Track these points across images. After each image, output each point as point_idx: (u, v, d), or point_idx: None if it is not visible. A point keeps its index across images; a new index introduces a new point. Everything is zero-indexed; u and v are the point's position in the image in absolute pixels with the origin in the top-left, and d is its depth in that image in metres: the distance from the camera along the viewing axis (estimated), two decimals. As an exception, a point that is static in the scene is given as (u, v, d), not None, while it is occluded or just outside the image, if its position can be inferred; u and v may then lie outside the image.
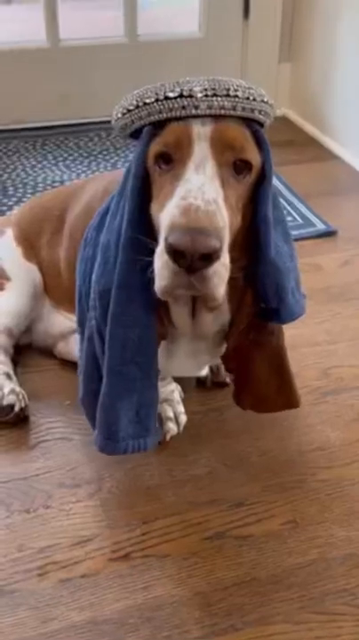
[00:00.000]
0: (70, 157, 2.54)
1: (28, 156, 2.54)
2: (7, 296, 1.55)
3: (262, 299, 1.12)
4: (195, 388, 1.54)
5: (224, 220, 0.96)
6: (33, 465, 1.35)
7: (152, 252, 1.00)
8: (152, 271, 0.99)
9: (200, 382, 1.54)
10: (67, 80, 2.73)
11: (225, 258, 0.96)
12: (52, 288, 1.59)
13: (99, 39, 2.80)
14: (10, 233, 1.60)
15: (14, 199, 2.23)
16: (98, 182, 1.51)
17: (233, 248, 1.00)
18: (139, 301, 1.08)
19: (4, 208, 2.17)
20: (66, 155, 2.56)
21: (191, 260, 0.92)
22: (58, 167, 2.46)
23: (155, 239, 1.01)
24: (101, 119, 2.74)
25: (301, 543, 1.21)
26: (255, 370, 1.24)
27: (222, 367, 1.52)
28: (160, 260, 0.96)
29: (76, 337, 1.52)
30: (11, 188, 2.31)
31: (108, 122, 2.88)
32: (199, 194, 0.94)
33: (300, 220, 2.17)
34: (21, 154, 2.55)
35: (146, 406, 1.16)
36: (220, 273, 0.95)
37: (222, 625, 1.08)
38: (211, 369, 1.53)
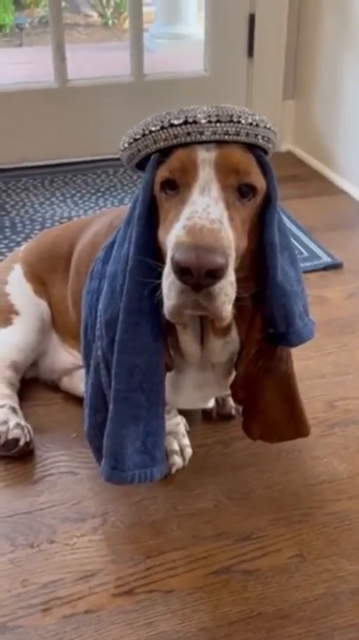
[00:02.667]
0: (78, 194, 2.57)
1: (37, 192, 2.58)
2: (15, 330, 1.56)
3: (270, 323, 1.13)
4: (200, 420, 1.53)
5: (229, 239, 0.97)
6: (37, 499, 1.34)
7: (159, 276, 1.01)
8: (160, 293, 1.00)
9: (205, 415, 1.54)
10: (75, 119, 2.78)
11: (231, 276, 0.97)
12: (60, 323, 1.59)
13: (105, 79, 2.86)
14: (19, 269, 1.62)
15: (23, 235, 2.26)
16: (103, 218, 1.53)
17: (240, 272, 1.01)
18: (146, 327, 1.09)
19: (13, 244, 2.19)
20: (74, 191, 2.59)
21: (197, 277, 0.93)
22: (66, 204, 2.49)
23: (162, 263, 1.02)
24: (109, 157, 2.77)
25: (309, 577, 1.19)
26: (265, 398, 1.24)
27: (228, 399, 1.52)
28: (167, 280, 0.98)
29: (81, 373, 1.53)
30: (19, 225, 2.34)
31: (116, 159, 2.92)
32: (204, 214, 0.96)
33: (306, 253, 2.18)
34: (30, 191, 2.59)
35: (152, 435, 1.16)
36: (227, 290, 0.96)
37: (228, 661, 1.06)
38: (217, 401, 1.52)
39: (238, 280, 1.00)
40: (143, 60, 2.78)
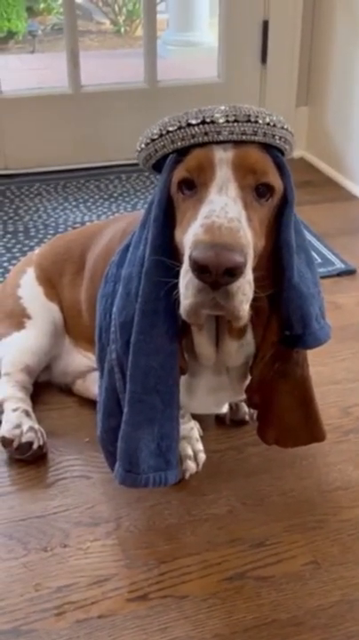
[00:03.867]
0: (91, 199, 2.57)
1: (50, 198, 2.58)
2: (28, 334, 1.56)
3: (287, 325, 1.12)
4: (214, 426, 1.53)
5: (247, 237, 0.97)
6: (51, 503, 1.34)
7: (176, 276, 1.01)
8: (176, 293, 1.00)
9: (219, 420, 1.53)
10: (88, 124, 2.79)
11: (249, 275, 0.97)
12: (72, 327, 1.59)
13: (119, 84, 2.87)
14: (31, 272, 1.62)
15: (36, 240, 2.26)
16: (117, 223, 1.53)
17: (257, 272, 1.01)
18: (162, 329, 1.09)
19: (26, 249, 2.20)
20: (87, 197, 2.60)
21: (216, 275, 0.93)
22: (79, 209, 2.50)
23: (179, 264, 1.02)
24: (122, 162, 2.79)
25: (323, 584, 1.18)
26: (280, 402, 1.23)
27: (241, 405, 1.51)
28: (184, 279, 0.98)
29: (95, 375, 1.53)
30: (32, 230, 2.34)
31: (129, 165, 2.93)
32: (222, 213, 0.96)
33: (319, 259, 2.17)
34: (43, 196, 2.60)
35: (167, 438, 1.15)
36: (245, 289, 0.96)
37: (242, 668, 1.05)
38: (231, 407, 1.51)
39: (255, 280, 0.99)
40: (156, 66, 2.79)
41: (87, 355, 1.57)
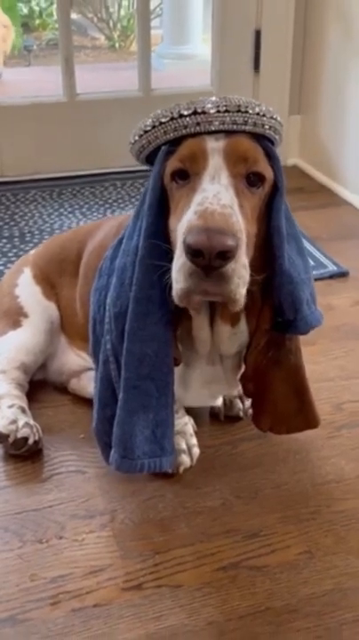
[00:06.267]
0: (86, 205, 2.60)
1: (45, 204, 2.61)
2: (24, 332, 1.57)
3: (278, 311, 1.14)
4: (208, 422, 1.54)
5: (239, 222, 0.99)
6: (46, 497, 1.34)
7: (169, 262, 1.03)
8: (169, 277, 1.02)
9: (213, 416, 1.55)
10: (83, 132, 2.81)
11: (243, 259, 0.99)
12: (68, 326, 1.61)
13: (113, 93, 2.90)
14: (28, 272, 1.64)
15: (31, 244, 2.28)
16: (112, 222, 1.55)
17: (250, 260, 1.03)
18: (156, 316, 1.11)
19: (22, 253, 2.21)
20: (82, 203, 2.62)
21: (208, 259, 0.95)
22: (74, 215, 2.52)
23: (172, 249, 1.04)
24: (117, 170, 2.81)
25: (317, 573, 1.19)
26: (274, 390, 1.25)
27: (236, 401, 1.53)
28: (177, 263, 1.00)
29: (90, 374, 1.54)
30: (28, 235, 2.36)
31: (124, 172, 2.95)
32: (215, 200, 0.98)
33: (313, 262, 2.19)
34: (39, 202, 2.62)
35: (162, 425, 1.17)
36: (240, 273, 0.98)
37: (237, 654, 1.06)
38: (225, 403, 1.53)
39: (249, 271, 1.01)
40: (151, 73, 2.83)
41: (81, 354, 1.58)
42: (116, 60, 5.95)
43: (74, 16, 5.53)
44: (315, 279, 2.07)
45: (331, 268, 2.18)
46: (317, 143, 2.91)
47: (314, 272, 2.12)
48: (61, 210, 2.56)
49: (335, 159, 2.80)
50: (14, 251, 2.24)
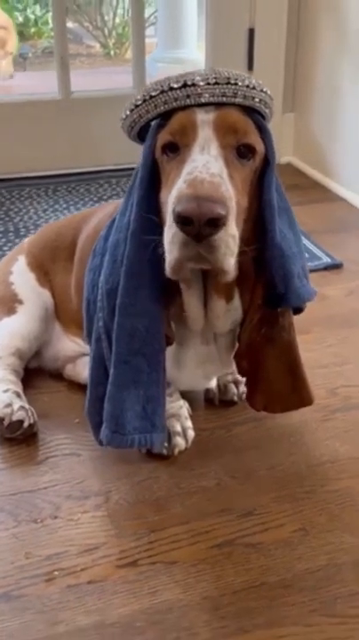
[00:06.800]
0: (81, 202, 2.61)
1: (40, 201, 2.62)
2: (19, 319, 1.58)
3: (270, 285, 1.15)
4: (202, 406, 1.54)
5: (229, 192, 1.00)
6: (41, 478, 1.34)
7: (161, 235, 1.03)
8: (161, 249, 1.02)
9: (208, 401, 1.55)
10: (78, 130, 2.83)
11: (232, 229, 0.99)
12: (62, 312, 1.61)
13: (108, 91, 2.92)
14: (23, 259, 1.64)
15: (26, 239, 2.28)
16: (106, 208, 1.56)
17: (242, 233, 1.04)
18: (147, 291, 1.11)
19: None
20: (76, 199, 2.63)
21: (198, 227, 0.95)
22: (69, 211, 2.53)
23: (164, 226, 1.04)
24: (111, 167, 2.83)
25: (311, 550, 1.19)
26: (268, 367, 1.25)
27: (230, 385, 1.53)
28: (169, 234, 1.00)
29: (84, 359, 1.54)
30: (23, 229, 2.37)
31: (118, 169, 2.95)
32: (204, 169, 0.99)
33: (307, 255, 2.20)
34: (34, 199, 2.63)
35: (152, 402, 1.17)
36: (228, 243, 0.99)
37: (231, 627, 1.06)
38: (219, 387, 1.53)
39: (240, 241, 1.02)
40: (145, 72, 2.84)
41: (75, 340, 1.59)
42: (111, 66, 5.98)
43: (69, 24, 5.56)
44: (310, 271, 2.08)
45: (326, 259, 2.19)
46: (311, 141, 2.93)
47: (309, 264, 2.13)
48: (56, 206, 2.57)
49: (329, 156, 2.82)
50: (9, 245, 2.25)
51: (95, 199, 2.63)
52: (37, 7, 6.30)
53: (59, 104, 2.81)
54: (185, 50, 5.06)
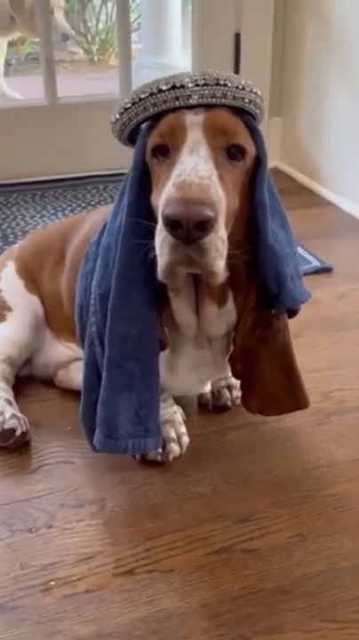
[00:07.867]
0: (69, 207, 2.59)
1: (28, 207, 2.60)
2: (8, 326, 1.56)
3: (263, 286, 1.14)
4: (196, 412, 1.53)
5: (218, 194, 0.99)
6: (35, 487, 1.33)
7: (153, 239, 1.02)
8: (153, 253, 1.01)
9: (201, 407, 1.54)
10: (65, 136, 2.82)
11: (221, 232, 0.98)
12: (53, 319, 1.60)
13: (94, 96, 2.91)
14: (11, 265, 1.63)
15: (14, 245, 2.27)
16: (97, 214, 1.54)
17: (233, 236, 1.03)
18: (139, 295, 1.10)
19: (4, 254, 2.20)
20: (64, 205, 2.62)
21: (187, 230, 0.94)
22: (56, 217, 2.51)
23: (155, 226, 1.03)
24: (99, 172, 2.82)
25: (309, 555, 1.18)
26: (263, 370, 1.25)
27: (223, 391, 1.52)
28: (160, 238, 0.99)
29: (77, 364, 1.53)
30: (11, 236, 2.35)
31: (105, 175, 2.94)
32: (193, 172, 0.98)
33: (296, 258, 2.20)
34: (21, 205, 2.61)
35: (146, 406, 1.16)
36: (217, 246, 0.98)
37: (231, 635, 1.04)
38: (213, 393, 1.52)
39: (232, 243, 1.01)
40: (131, 78, 2.84)
41: (69, 345, 1.57)
42: (95, 73, 5.97)
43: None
44: (300, 274, 2.10)
45: (316, 263, 2.19)
46: (297, 145, 2.94)
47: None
48: (44, 212, 2.55)
49: (316, 161, 2.82)
50: (-3, 251, 2.23)
51: (83, 205, 2.62)
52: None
53: (46, 110, 2.79)
54: (169, 55, 5.06)
